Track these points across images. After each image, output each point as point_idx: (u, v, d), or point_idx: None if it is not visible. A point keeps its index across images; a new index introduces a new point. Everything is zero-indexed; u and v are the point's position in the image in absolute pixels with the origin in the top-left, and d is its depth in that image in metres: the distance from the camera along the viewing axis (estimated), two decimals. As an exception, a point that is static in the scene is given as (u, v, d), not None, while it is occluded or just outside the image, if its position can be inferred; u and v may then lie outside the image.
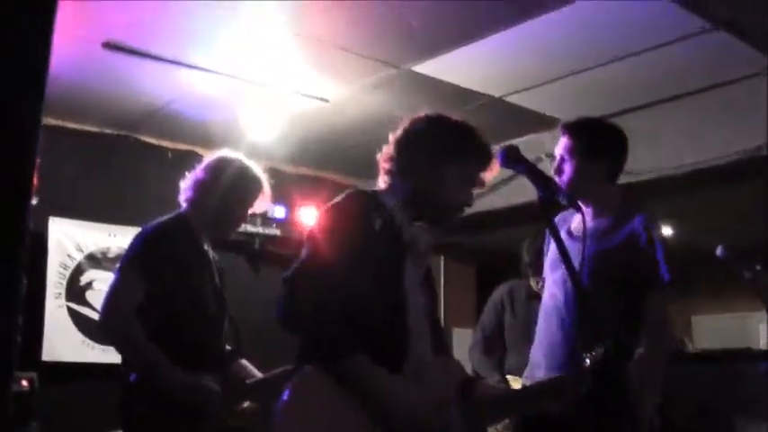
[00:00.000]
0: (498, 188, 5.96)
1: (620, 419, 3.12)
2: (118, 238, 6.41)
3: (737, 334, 9.90)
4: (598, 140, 3.42)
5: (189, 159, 6.03)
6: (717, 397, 6.31)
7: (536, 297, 3.93)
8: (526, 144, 5.15)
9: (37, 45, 1.42)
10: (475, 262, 9.31)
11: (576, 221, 3.47)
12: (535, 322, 3.54)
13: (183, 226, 3.48)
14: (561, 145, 3.43)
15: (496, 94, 5.89)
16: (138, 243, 3.39)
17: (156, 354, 3.19)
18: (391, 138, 2.72)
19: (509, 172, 2.79)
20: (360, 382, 2.29)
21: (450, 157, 2.63)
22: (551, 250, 3.56)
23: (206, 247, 3.57)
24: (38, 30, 1.42)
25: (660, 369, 3.29)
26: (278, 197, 3.76)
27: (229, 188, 3.51)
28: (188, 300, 3.37)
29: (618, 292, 3.22)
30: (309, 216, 7.09)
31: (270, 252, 4.43)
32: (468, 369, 4.52)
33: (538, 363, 3.42)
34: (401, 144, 2.68)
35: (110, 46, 4.99)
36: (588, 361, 2.51)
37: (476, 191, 2.72)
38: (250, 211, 3.65)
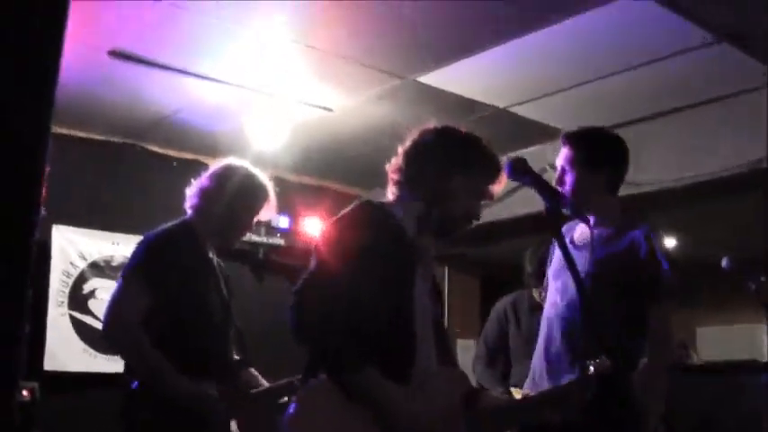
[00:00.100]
0: (503, 199, 5.96)
1: (624, 429, 3.12)
2: (122, 247, 6.39)
3: (742, 345, 9.86)
4: (599, 151, 3.42)
5: (194, 168, 6.01)
6: (720, 409, 6.29)
7: (539, 308, 3.93)
8: (530, 155, 5.11)
9: (47, 54, 1.42)
10: (479, 273, 9.30)
11: (578, 232, 3.48)
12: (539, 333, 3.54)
13: (187, 233, 3.47)
14: (562, 156, 3.43)
15: (501, 105, 5.89)
16: (141, 250, 3.38)
17: (161, 361, 3.18)
18: (400, 149, 2.72)
19: (513, 183, 2.80)
20: (367, 395, 2.29)
21: (459, 170, 2.63)
22: (555, 259, 3.57)
23: (211, 254, 3.56)
24: (48, 39, 1.43)
25: (663, 379, 3.29)
26: (282, 207, 3.76)
27: (235, 196, 3.51)
28: (193, 307, 3.36)
29: (619, 296, 3.23)
30: (313, 226, 7.08)
31: (274, 261, 4.43)
32: (472, 381, 4.51)
33: (540, 370, 3.43)
34: (410, 155, 2.68)
35: (116, 54, 5.00)
36: (593, 368, 2.50)
37: (484, 203, 2.73)
38: (255, 219, 3.64)
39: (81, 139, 6.38)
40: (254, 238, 6.63)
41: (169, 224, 3.50)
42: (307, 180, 7.73)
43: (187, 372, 3.20)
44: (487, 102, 5.82)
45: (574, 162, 3.38)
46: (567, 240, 3.43)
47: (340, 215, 2.57)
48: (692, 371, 7.39)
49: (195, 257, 3.46)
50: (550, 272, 3.57)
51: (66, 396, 5.78)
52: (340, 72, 5.26)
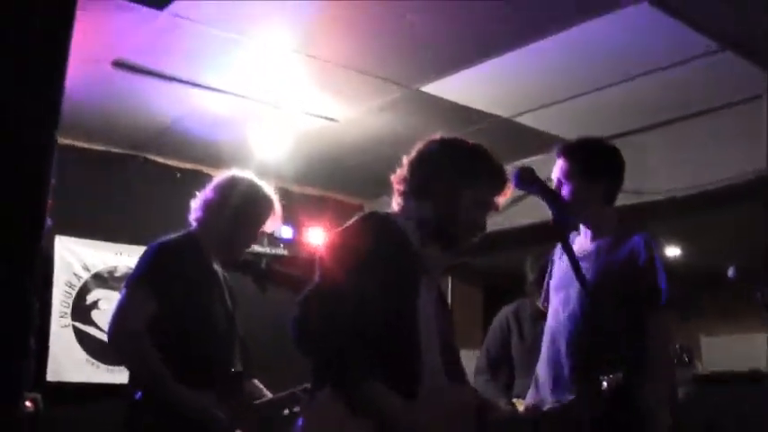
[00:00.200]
0: (506, 209, 5.95)
1: None
2: (125, 258, 6.40)
3: (746, 355, 9.83)
4: (595, 162, 3.43)
5: (197, 179, 6.04)
6: (724, 418, 6.27)
7: (542, 316, 3.93)
8: (533, 165, 5.12)
9: (53, 65, 1.42)
10: (482, 283, 9.27)
11: (577, 243, 3.48)
12: None
13: (192, 245, 3.46)
14: (558, 168, 3.44)
15: (503, 115, 5.88)
16: (147, 259, 3.37)
17: (165, 370, 3.17)
18: (405, 159, 2.71)
19: (517, 193, 2.80)
20: (371, 407, 2.27)
21: (465, 181, 2.62)
22: (555, 272, 3.57)
23: (216, 266, 3.55)
24: (54, 51, 1.43)
25: (665, 388, 3.28)
26: (285, 217, 3.75)
27: (239, 208, 3.50)
28: (197, 317, 3.35)
29: (619, 306, 3.22)
30: (316, 236, 7.08)
31: (277, 272, 4.41)
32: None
33: (543, 382, 3.42)
34: (415, 166, 2.68)
35: (119, 65, 5.01)
36: (606, 384, 2.49)
37: (489, 214, 2.72)
38: (260, 231, 3.64)
39: (84, 149, 6.38)
40: (257, 248, 6.60)
41: (175, 235, 3.50)
42: (310, 190, 7.72)
43: (189, 381, 3.20)
44: (490, 111, 5.81)
45: (570, 174, 3.39)
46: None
47: (344, 226, 2.57)
48: (697, 380, 7.36)
49: (200, 268, 3.46)
50: (552, 284, 3.58)
51: (69, 407, 5.74)
52: (343, 82, 5.26)
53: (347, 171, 7.19)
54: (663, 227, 7.38)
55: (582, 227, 3.51)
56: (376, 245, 2.44)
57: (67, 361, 6.06)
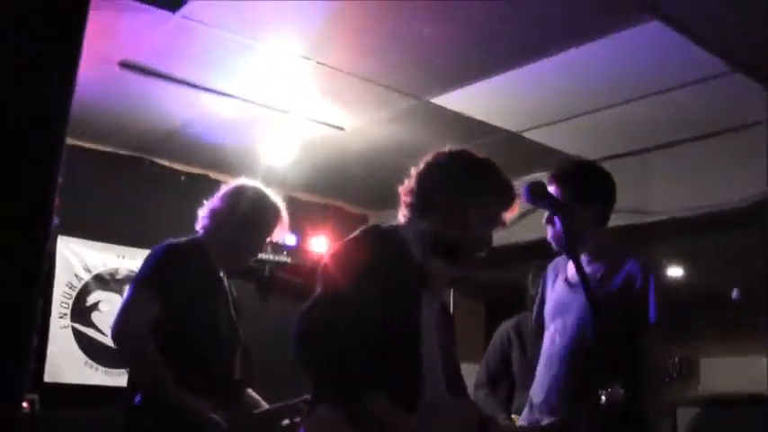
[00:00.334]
0: (512, 224, 5.93)
1: None
2: (127, 260, 6.38)
3: (744, 377, 9.83)
4: (586, 187, 3.43)
5: (202, 183, 6.05)
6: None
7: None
8: (543, 180, 5.13)
9: (65, 64, 1.41)
10: (484, 296, 9.25)
11: (570, 270, 3.48)
12: None
13: (199, 250, 3.46)
14: None
15: (513, 129, 5.87)
16: (153, 260, 3.37)
17: (166, 373, 3.15)
18: (413, 170, 2.70)
19: (523, 208, 2.79)
20: (373, 422, 2.26)
21: (472, 196, 2.61)
22: (550, 297, 3.58)
23: (221, 274, 3.54)
24: (66, 50, 1.42)
25: (665, 404, 3.29)
26: (289, 224, 3.74)
27: (246, 217, 3.49)
28: (201, 322, 3.34)
29: (617, 331, 3.20)
30: (320, 244, 7.07)
31: (280, 279, 4.39)
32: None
33: (538, 404, 3.42)
34: (423, 178, 2.66)
35: (128, 66, 4.98)
36: (604, 398, 2.49)
37: (496, 230, 2.71)
38: (267, 240, 3.63)
39: (89, 150, 6.35)
40: (261, 255, 6.60)
41: (182, 239, 3.49)
42: (314, 198, 7.71)
43: (190, 386, 3.18)
44: (500, 125, 5.79)
45: (562, 199, 3.39)
46: (562, 278, 3.47)
47: (346, 240, 2.56)
48: (698, 402, 7.35)
49: (206, 273, 3.44)
50: (547, 310, 3.59)
51: (66, 409, 5.71)
52: (352, 90, 5.24)
53: (352, 180, 7.18)
54: (665, 247, 7.38)
55: (575, 253, 3.51)
56: (378, 259, 2.43)
57: (65, 362, 6.03)
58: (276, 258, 6.75)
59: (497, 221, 2.67)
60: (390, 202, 2.75)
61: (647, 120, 5.52)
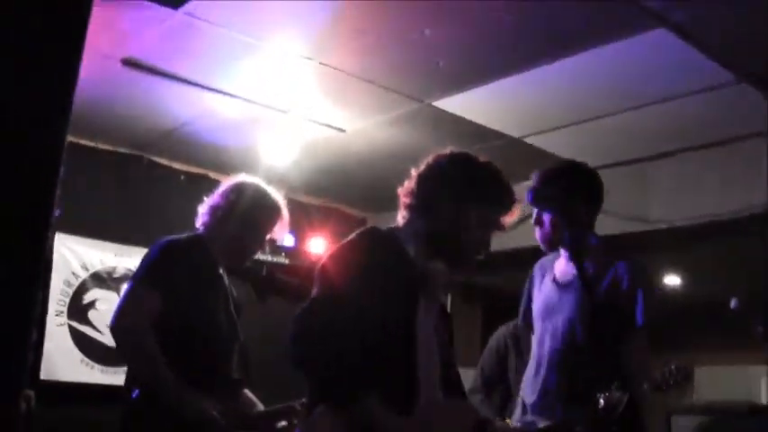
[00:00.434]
0: (510, 229, 5.92)
1: None
2: (125, 259, 6.37)
3: (737, 387, 9.84)
4: (573, 187, 3.42)
5: (201, 183, 6.03)
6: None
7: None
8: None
9: (67, 61, 1.41)
10: (481, 301, 9.26)
11: (558, 270, 3.49)
12: None
13: (200, 246, 3.44)
14: None
15: (515, 135, 5.86)
16: (153, 255, 3.35)
17: (166, 369, 3.14)
18: (413, 172, 2.69)
19: (523, 213, 2.79)
20: (366, 425, 2.25)
21: (472, 199, 2.60)
22: (538, 298, 3.57)
23: (221, 271, 3.53)
24: (66, 53, 1.41)
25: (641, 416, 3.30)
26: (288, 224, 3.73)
27: (246, 214, 3.48)
28: (202, 317, 3.32)
29: (604, 337, 3.22)
30: (318, 245, 7.07)
31: (277, 280, 4.38)
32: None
33: (531, 404, 3.42)
34: (423, 180, 2.65)
35: (129, 63, 4.97)
36: (602, 401, 2.49)
37: (495, 233, 2.70)
38: (268, 237, 3.61)
39: (89, 147, 6.34)
40: (259, 255, 6.59)
41: (183, 235, 3.48)
42: (313, 199, 7.71)
43: (189, 383, 3.16)
44: (502, 131, 5.79)
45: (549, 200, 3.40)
46: (550, 279, 3.48)
47: (343, 242, 2.55)
48: (695, 411, 7.35)
49: (207, 270, 3.43)
50: (536, 312, 3.58)
51: (62, 406, 5.70)
52: (355, 92, 5.24)
53: (352, 183, 7.18)
54: (664, 256, 7.38)
55: (562, 252, 3.52)
56: (375, 261, 2.43)
57: (62, 360, 6.02)
58: (274, 259, 6.74)
59: (497, 225, 2.66)
60: (390, 205, 2.74)
61: (649, 128, 5.51)
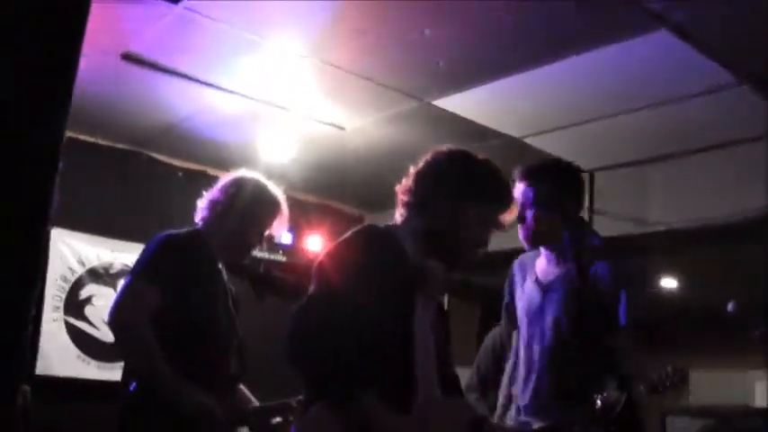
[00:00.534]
0: (508, 228, 5.92)
1: None
2: (121, 254, 6.35)
3: (732, 391, 9.86)
4: (556, 186, 3.43)
5: (199, 180, 6.02)
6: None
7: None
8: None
9: (66, 56, 1.40)
10: (479, 300, 9.26)
11: (540, 269, 3.49)
12: None
13: (199, 241, 3.44)
14: (520, 192, 3.44)
15: (515, 135, 5.85)
16: (152, 249, 3.34)
17: (164, 364, 3.13)
18: (412, 169, 2.69)
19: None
20: (363, 423, 2.24)
21: (470, 197, 2.60)
22: (521, 299, 3.56)
23: (220, 266, 3.53)
24: (67, 44, 1.41)
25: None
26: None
27: (246, 209, 3.48)
28: (201, 313, 3.32)
29: (591, 335, 3.24)
30: (315, 243, 7.06)
31: (274, 277, 4.38)
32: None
33: (524, 406, 3.42)
34: (421, 178, 2.65)
35: (129, 58, 4.93)
36: (599, 402, 2.49)
37: (493, 232, 2.70)
38: (267, 233, 3.61)
39: (86, 142, 6.32)
40: (256, 252, 6.58)
41: (182, 230, 3.47)
42: (311, 197, 7.69)
43: (188, 378, 3.16)
44: (502, 131, 5.78)
45: (533, 198, 3.39)
46: (532, 279, 3.47)
47: (341, 240, 2.55)
48: (689, 413, 7.36)
49: (206, 265, 3.43)
50: (522, 313, 3.57)
51: (57, 402, 5.68)
52: (355, 90, 5.22)
53: (350, 181, 7.16)
54: (662, 258, 7.37)
55: (543, 251, 3.51)
56: (372, 258, 2.43)
57: (58, 355, 5.99)
58: (271, 256, 6.74)
59: (495, 223, 2.66)
60: (387, 204, 2.74)
61: (649, 130, 5.51)
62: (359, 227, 2.63)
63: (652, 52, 4.40)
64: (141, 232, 4.98)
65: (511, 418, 3.50)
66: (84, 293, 6.26)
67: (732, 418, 7.24)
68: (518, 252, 6.31)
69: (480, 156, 2.72)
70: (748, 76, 4.60)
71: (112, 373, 5.73)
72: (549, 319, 3.37)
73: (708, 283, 7.99)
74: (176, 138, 6.37)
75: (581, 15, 4.10)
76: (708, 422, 7.02)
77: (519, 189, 3.43)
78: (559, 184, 3.43)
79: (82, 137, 6.23)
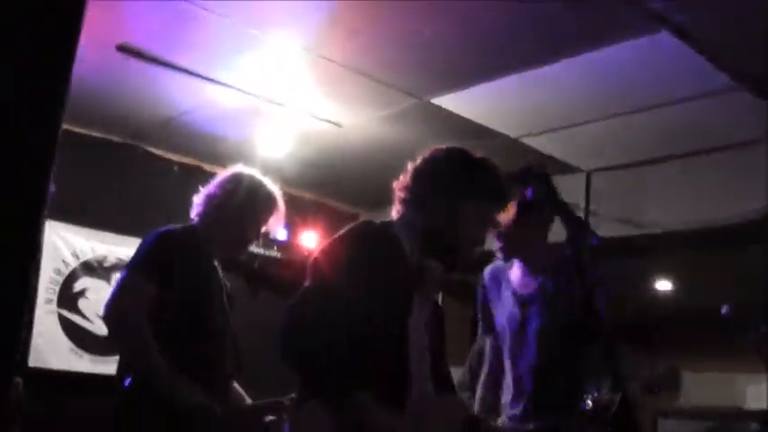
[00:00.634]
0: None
1: None
2: (116, 248, 6.33)
3: (723, 393, 9.88)
4: (552, 188, 3.39)
5: (195, 174, 6.00)
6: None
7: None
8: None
9: (62, 49, 1.39)
10: (473, 299, 9.24)
11: (516, 281, 3.46)
12: None
13: (195, 237, 3.42)
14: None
15: (512, 135, 5.84)
16: (149, 244, 3.33)
17: (160, 357, 3.12)
18: (410, 166, 2.68)
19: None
20: (356, 420, 2.23)
21: (467, 195, 2.59)
22: (500, 308, 3.54)
23: (216, 263, 3.51)
24: (64, 36, 1.40)
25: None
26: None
27: (242, 205, 3.46)
28: (197, 308, 3.31)
29: (571, 343, 3.23)
30: (311, 240, 7.05)
31: (269, 273, 4.37)
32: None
33: (514, 414, 3.41)
34: (419, 175, 2.65)
35: (125, 49, 4.89)
36: (590, 403, 2.49)
37: (489, 230, 2.69)
38: (264, 229, 3.60)
39: (81, 135, 6.25)
40: (252, 248, 6.56)
41: (178, 225, 3.46)
42: (307, 194, 7.67)
43: (184, 373, 3.15)
44: (499, 130, 5.77)
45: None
46: (509, 292, 3.43)
47: (337, 235, 2.54)
48: (682, 415, 7.38)
49: (201, 260, 3.42)
50: (503, 326, 3.52)
51: (50, 395, 5.66)
52: (353, 87, 5.20)
53: (346, 178, 7.15)
54: (659, 260, 7.37)
55: (516, 262, 3.48)
56: (368, 255, 2.42)
57: (50, 348, 5.97)
58: (266, 252, 6.72)
59: (492, 221, 2.66)
60: (382, 202, 2.72)
61: (647, 131, 5.50)
62: (356, 222, 2.62)
63: (650, 54, 4.40)
64: (135, 226, 4.98)
65: (504, 422, 3.49)
66: (77, 286, 6.24)
67: (725, 420, 7.25)
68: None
69: (478, 154, 2.72)
70: (748, 78, 4.60)
71: (106, 366, 5.70)
72: (531, 333, 3.34)
73: (704, 285, 7.99)
74: (172, 132, 6.34)
75: (581, 15, 4.09)
76: (703, 424, 7.02)
77: None
78: (552, 187, 3.41)
79: (77, 129, 6.18)
